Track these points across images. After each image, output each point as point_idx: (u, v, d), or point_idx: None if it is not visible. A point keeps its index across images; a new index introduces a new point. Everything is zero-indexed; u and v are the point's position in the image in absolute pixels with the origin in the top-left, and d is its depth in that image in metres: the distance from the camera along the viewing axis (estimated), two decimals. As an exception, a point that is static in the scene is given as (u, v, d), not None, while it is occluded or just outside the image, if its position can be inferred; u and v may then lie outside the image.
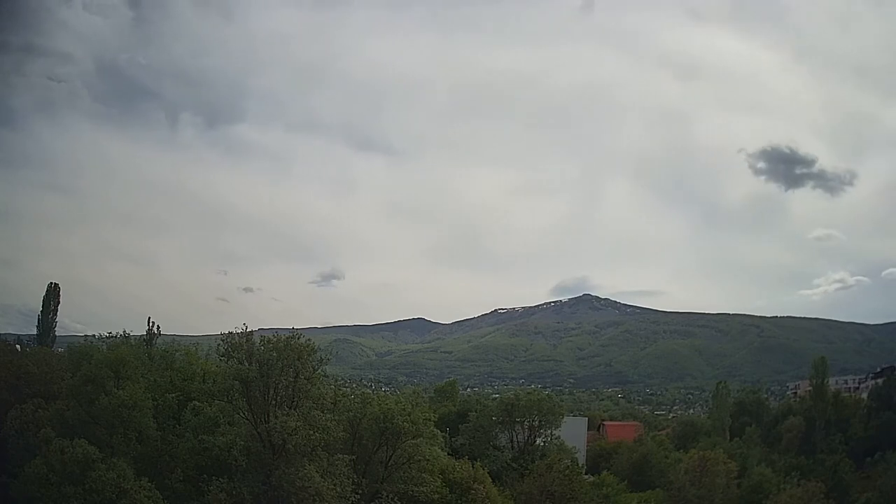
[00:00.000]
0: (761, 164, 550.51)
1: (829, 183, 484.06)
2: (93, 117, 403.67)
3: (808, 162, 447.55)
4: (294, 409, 34.30)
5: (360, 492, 35.31)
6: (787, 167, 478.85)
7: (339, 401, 39.62)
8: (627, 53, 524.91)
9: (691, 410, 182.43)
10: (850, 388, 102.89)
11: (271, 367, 34.18)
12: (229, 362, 35.38)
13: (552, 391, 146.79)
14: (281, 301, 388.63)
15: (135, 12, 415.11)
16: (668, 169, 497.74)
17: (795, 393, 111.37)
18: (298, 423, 33.08)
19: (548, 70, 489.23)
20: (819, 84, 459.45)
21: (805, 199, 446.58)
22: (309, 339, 36.59)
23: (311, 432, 33.29)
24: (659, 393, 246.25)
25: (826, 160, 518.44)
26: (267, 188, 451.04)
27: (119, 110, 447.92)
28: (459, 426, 62.09)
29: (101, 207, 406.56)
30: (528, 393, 69.39)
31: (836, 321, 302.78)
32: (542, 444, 60.78)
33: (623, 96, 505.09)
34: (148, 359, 42.94)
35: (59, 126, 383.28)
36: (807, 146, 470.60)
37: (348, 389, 51.60)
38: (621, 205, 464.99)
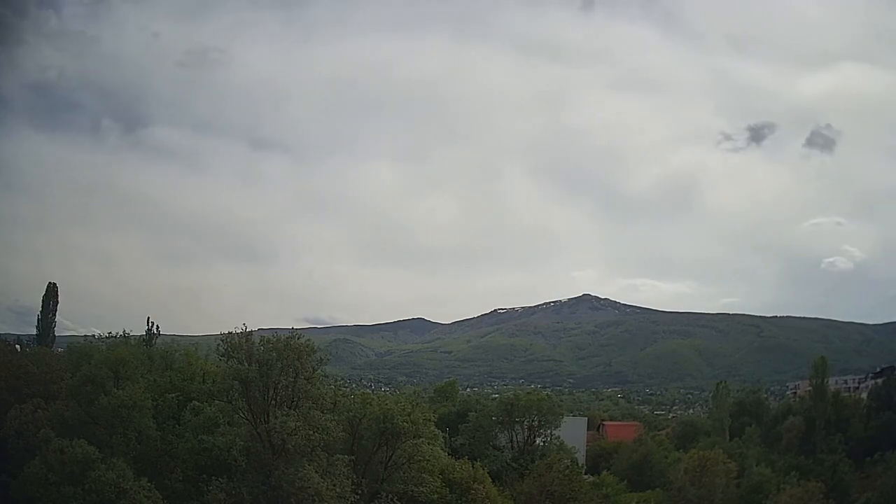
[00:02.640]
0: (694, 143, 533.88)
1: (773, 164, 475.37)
2: (27, 128, 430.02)
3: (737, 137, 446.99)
4: (294, 410, 34.29)
5: (360, 492, 35.30)
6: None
7: (339, 401, 39.61)
8: (501, 41, 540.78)
9: (691, 410, 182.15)
10: (850, 388, 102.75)
11: (271, 367, 34.17)
12: (229, 362, 35.39)
13: (552, 391, 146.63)
14: (239, 299, 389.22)
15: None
16: (566, 157, 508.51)
17: (795, 393, 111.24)
18: (298, 424, 33.06)
19: (420, 63, 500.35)
20: (700, 58, 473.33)
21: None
22: (308, 339, 36.61)
23: (311, 432, 33.26)
24: (659, 393, 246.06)
25: (744, 137, 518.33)
26: (195, 188, 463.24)
27: (50, 122, 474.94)
28: (459, 426, 62.09)
29: (56, 208, 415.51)
30: (528, 393, 69.47)
31: (836, 321, 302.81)
32: (541, 444, 60.77)
33: (505, 85, 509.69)
34: (147, 359, 42.94)
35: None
36: (718, 124, 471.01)
37: (348, 389, 51.52)
38: (522, 196, 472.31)
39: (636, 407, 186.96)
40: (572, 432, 67.78)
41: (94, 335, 45.80)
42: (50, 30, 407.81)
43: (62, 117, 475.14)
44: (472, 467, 43.35)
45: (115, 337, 43.38)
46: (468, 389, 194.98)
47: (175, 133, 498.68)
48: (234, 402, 35.26)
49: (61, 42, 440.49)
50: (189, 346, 47.14)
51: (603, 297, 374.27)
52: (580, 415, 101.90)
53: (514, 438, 61.55)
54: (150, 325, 51.15)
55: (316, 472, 32.70)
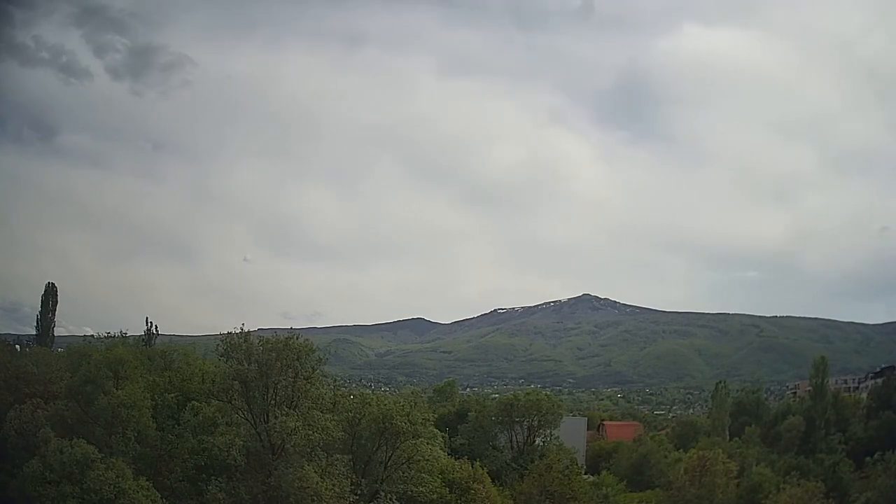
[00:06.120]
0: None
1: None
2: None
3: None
4: (293, 410, 34.31)
5: (360, 492, 35.27)
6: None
7: (339, 401, 39.57)
8: (319, 37, 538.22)
9: (691, 410, 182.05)
10: (849, 388, 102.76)
11: (270, 367, 34.20)
12: (228, 363, 35.40)
13: (552, 391, 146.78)
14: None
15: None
16: (421, 147, 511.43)
17: (795, 393, 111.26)
18: (298, 424, 33.09)
19: (241, 66, 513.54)
20: (525, 37, 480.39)
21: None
22: (307, 340, 36.65)
23: (311, 432, 33.31)
24: (658, 393, 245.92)
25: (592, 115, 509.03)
26: (112, 189, 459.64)
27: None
28: (459, 426, 62.11)
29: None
30: (528, 393, 69.35)
31: (836, 321, 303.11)
32: (541, 444, 60.77)
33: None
34: (147, 359, 42.95)
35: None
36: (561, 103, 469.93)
37: (347, 390, 51.57)
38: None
39: (636, 407, 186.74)
40: (572, 432, 67.79)
41: (92, 335, 45.91)
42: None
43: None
44: (472, 467, 43.33)
45: (114, 337, 43.44)
46: (468, 389, 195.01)
47: (82, 138, 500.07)
48: (233, 402, 35.31)
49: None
50: (188, 346, 47.14)
51: (603, 297, 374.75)
52: (580, 415, 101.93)
53: (514, 438, 61.55)
54: (148, 325, 51.29)
55: (315, 472, 32.68)
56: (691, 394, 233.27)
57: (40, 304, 63.06)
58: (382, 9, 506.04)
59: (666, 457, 64.63)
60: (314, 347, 36.93)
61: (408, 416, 38.02)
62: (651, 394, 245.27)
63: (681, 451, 64.77)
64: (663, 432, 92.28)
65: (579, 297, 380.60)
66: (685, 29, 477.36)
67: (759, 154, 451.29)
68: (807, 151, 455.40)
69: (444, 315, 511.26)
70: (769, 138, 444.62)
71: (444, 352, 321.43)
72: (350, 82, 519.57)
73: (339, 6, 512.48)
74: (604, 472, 58.54)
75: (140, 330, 52.46)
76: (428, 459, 39.71)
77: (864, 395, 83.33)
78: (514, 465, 55.93)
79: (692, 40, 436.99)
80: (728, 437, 73.34)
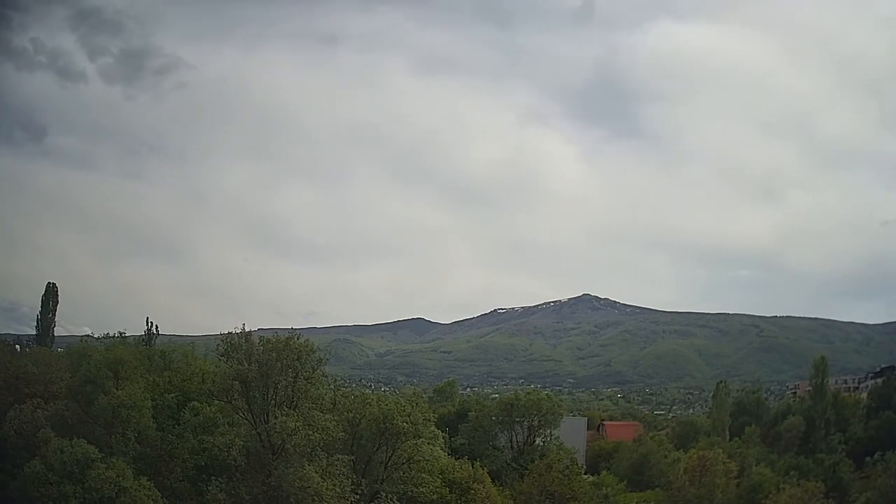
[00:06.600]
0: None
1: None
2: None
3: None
4: (294, 410, 34.32)
5: (360, 492, 35.28)
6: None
7: (339, 401, 39.59)
8: (295, 37, 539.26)
9: (691, 410, 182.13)
10: (849, 388, 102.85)
11: (271, 367, 34.20)
12: (228, 363, 35.41)
13: (552, 391, 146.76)
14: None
15: None
16: (401, 147, 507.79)
17: (795, 393, 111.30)
18: (298, 424, 33.10)
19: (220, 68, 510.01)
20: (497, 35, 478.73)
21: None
22: (308, 340, 36.66)
23: (311, 433, 33.31)
24: (658, 393, 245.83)
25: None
26: (103, 190, 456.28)
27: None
28: (459, 426, 62.15)
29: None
30: (528, 393, 69.44)
31: (836, 321, 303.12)
32: (541, 444, 60.80)
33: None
34: (147, 359, 42.97)
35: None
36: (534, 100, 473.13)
37: (347, 390, 51.58)
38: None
39: (636, 407, 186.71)
40: (572, 432, 67.83)
41: (91, 335, 45.98)
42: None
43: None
44: (472, 467, 43.35)
45: (113, 337, 43.49)
46: (468, 389, 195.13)
47: (78, 141, 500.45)
48: (233, 403, 35.31)
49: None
50: (187, 346, 47.17)
51: (603, 297, 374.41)
52: (580, 415, 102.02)
53: (514, 438, 61.59)
54: (149, 325, 51.31)
55: (316, 472, 32.69)
56: (691, 394, 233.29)
57: (40, 304, 63.21)
58: (368, 8, 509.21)
59: (666, 457, 64.63)
60: (315, 348, 36.95)
61: (408, 416, 38.05)
62: (651, 394, 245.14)
63: (681, 451, 64.77)
64: (663, 432, 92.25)
65: (579, 297, 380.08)
66: (664, 25, 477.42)
67: (747, 151, 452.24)
68: (796, 147, 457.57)
69: (444, 315, 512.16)
70: (757, 134, 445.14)
71: (444, 352, 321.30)
72: (340, 83, 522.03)
73: (325, 6, 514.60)
74: (604, 472, 58.56)
75: (140, 330, 52.56)
76: (428, 459, 39.74)
77: (864, 395, 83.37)
78: (514, 465, 55.97)
79: (671, 36, 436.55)
80: (728, 437, 73.38)
